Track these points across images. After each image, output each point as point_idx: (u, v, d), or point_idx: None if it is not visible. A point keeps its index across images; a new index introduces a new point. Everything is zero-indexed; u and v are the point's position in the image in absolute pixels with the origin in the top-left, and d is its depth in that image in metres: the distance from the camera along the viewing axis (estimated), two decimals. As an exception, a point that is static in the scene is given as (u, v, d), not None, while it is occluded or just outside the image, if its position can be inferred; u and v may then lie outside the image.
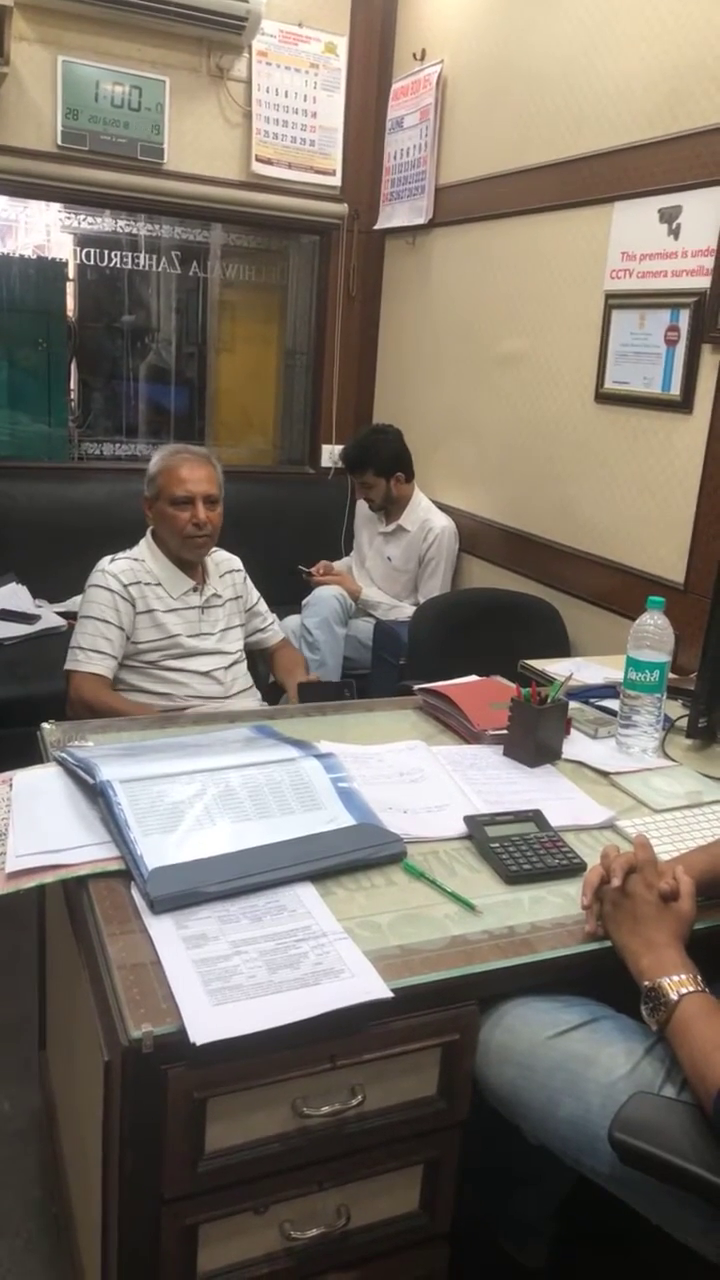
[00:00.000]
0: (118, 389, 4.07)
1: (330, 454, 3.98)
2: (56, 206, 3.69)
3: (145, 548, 2.38)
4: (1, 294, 3.67)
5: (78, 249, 3.78)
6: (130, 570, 2.32)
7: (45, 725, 1.68)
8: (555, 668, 2.11)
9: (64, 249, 3.81)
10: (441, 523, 3.30)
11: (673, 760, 1.77)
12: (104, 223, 3.74)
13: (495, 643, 2.42)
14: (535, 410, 2.94)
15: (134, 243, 3.82)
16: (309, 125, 3.67)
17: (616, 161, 2.54)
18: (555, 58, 2.77)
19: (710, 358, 2.31)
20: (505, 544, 3.12)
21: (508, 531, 3.10)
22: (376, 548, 3.45)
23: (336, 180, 3.77)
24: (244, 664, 2.48)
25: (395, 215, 3.65)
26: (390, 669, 2.94)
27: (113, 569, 2.31)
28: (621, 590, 2.58)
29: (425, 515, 3.33)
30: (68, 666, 2.28)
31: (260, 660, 2.64)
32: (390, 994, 1.08)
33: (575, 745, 1.79)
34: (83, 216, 3.70)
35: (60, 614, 3.28)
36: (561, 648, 2.71)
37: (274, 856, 1.28)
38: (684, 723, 1.87)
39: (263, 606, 2.60)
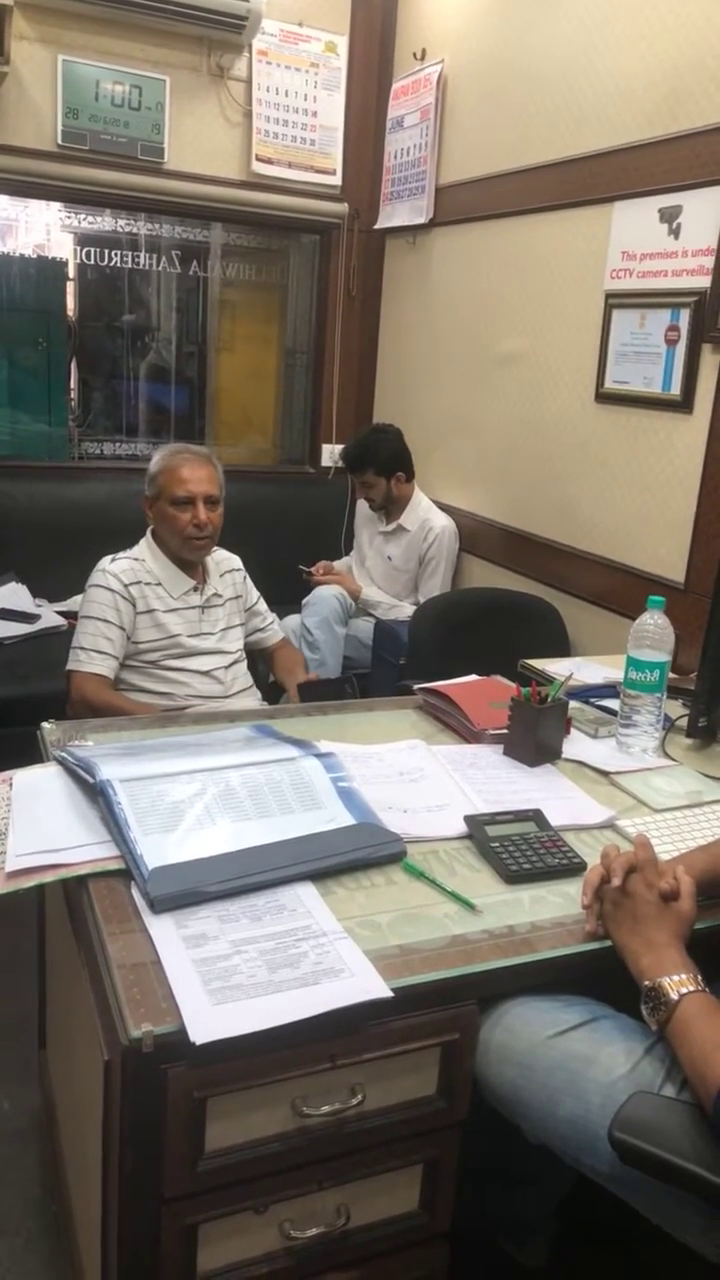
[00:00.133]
0: (118, 388, 4.07)
1: (330, 453, 3.98)
2: (57, 206, 3.69)
3: (145, 547, 2.38)
4: (1, 293, 3.67)
5: (78, 248, 3.78)
6: (131, 570, 2.32)
7: (45, 725, 1.68)
8: (555, 667, 2.11)
9: (64, 248, 3.81)
10: (441, 522, 3.30)
11: (673, 760, 1.77)
12: (104, 222, 3.74)
13: (495, 642, 2.42)
14: (535, 410, 2.94)
15: (134, 242, 3.82)
16: (309, 125, 3.67)
17: (616, 161, 2.54)
18: (555, 57, 2.77)
19: (710, 357, 2.31)
20: (505, 543, 3.12)
21: (508, 531, 3.10)
22: (377, 547, 3.45)
23: (337, 180, 3.77)
24: (244, 663, 2.48)
25: (395, 215, 3.65)
26: (390, 668, 2.94)
27: (113, 569, 2.31)
28: (621, 590, 2.58)
29: (425, 515, 3.33)
30: (69, 666, 2.28)
31: (260, 660, 2.64)
32: (390, 993, 1.08)
33: (575, 745, 1.79)
34: (83, 216, 3.70)
35: (60, 613, 3.28)
36: (561, 647, 2.71)
37: (274, 856, 1.28)
38: (684, 722, 1.87)
39: (262, 606, 2.60)
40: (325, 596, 3.20)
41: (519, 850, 1.38)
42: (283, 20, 3.53)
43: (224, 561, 2.49)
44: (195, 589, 2.38)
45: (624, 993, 1.15)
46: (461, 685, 1.90)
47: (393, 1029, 1.11)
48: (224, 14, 3.26)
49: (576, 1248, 1.61)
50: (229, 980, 1.07)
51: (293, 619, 3.19)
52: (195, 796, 1.36)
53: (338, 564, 3.56)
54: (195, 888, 1.20)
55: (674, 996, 1.08)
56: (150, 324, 4.08)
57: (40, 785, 1.43)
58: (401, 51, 3.64)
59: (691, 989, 1.09)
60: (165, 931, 1.15)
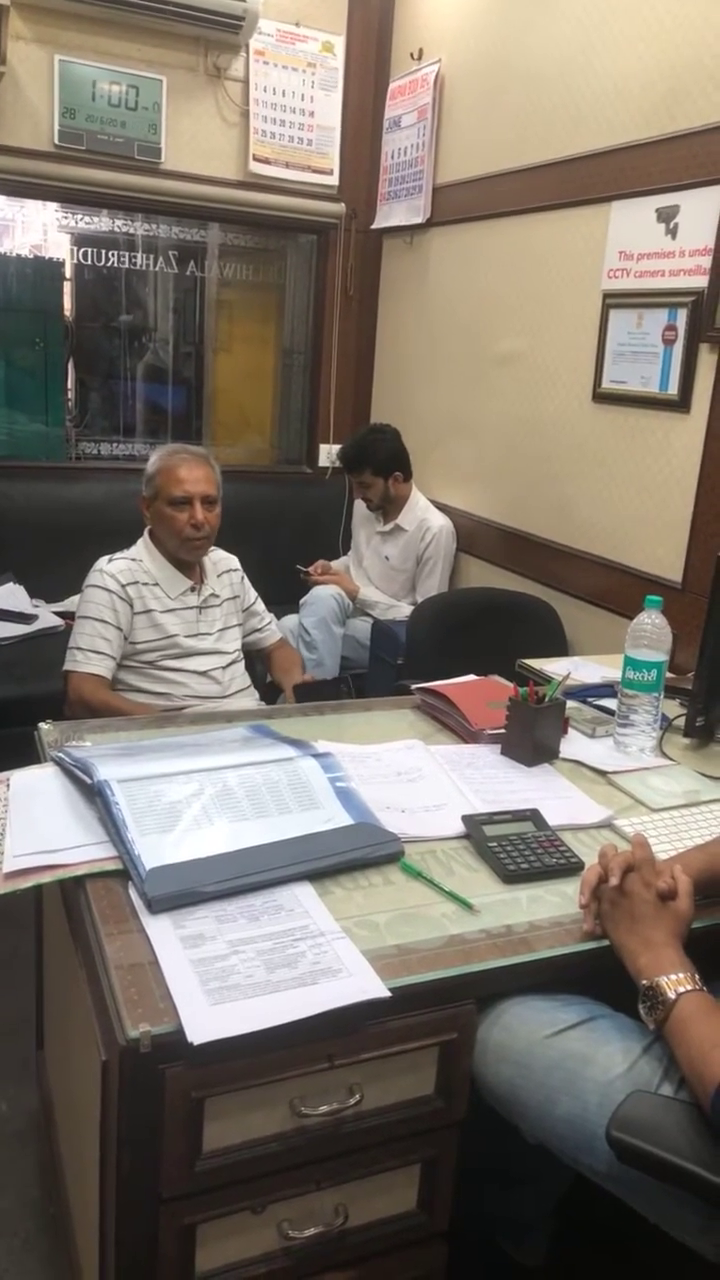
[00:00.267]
0: (115, 388, 4.07)
1: (328, 454, 3.98)
2: (53, 206, 3.69)
3: (143, 548, 2.38)
4: (-1, 294, 3.67)
5: (75, 248, 3.77)
6: (128, 570, 2.32)
7: (43, 725, 1.68)
8: (553, 667, 2.11)
9: (61, 248, 3.80)
10: (439, 522, 3.30)
11: (670, 759, 1.77)
12: (101, 222, 3.73)
13: (493, 642, 2.42)
14: (533, 410, 2.94)
15: (131, 242, 3.81)
16: (306, 124, 3.67)
17: (614, 161, 2.54)
18: (553, 57, 2.77)
19: (708, 357, 2.31)
20: (503, 543, 3.12)
21: (505, 531, 3.10)
22: (374, 547, 3.45)
23: (334, 180, 3.77)
24: (242, 663, 2.47)
25: (393, 215, 3.65)
26: (388, 668, 2.94)
27: (110, 569, 2.31)
28: (619, 589, 2.58)
29: (423, 515, 3.33)
30: (66, 667, 2.28)
31: (258, 660, 2.64)
32: (388, 993, 1.08)
33: (573, 744, 1.79)
34: (80, 216, 3.70)
35: (58, 614, 3.28)
36: (559, 647, 2.71)
37: (271, 856, 1.28)
38: (681, 722, 1.87)
39: (260, 606, 2.60)
40: (323, 596, 3.20)
41: (516, 850, 1.38)
42: (280, 20, 3.53)
43: (221, 562, 2.49)
44: (192, 589, 2.38)
45: (622, 992, 1.15)
46: (459, 685, 1.90)
47: (390, 1029, 1.11)
48: (221, 14, 3.26)
49: (574, 1247, 1.61)
50: (226, 980, 1.07)
51: (290, 619, 3.19)
52: (193, 797, 1.36)
53: (335, 564, 3.55)
54: (193, 888, 1.20)
55: (671, 995, 1.08)
56: (147, 324, 4.08)
57: (38, 786, 1.43)
58: (398, 51, 3.64)
59: (689, 988, 1.09)
60: (163, 932, 1.15)
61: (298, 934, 1.16)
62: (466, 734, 1.78)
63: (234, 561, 2.52)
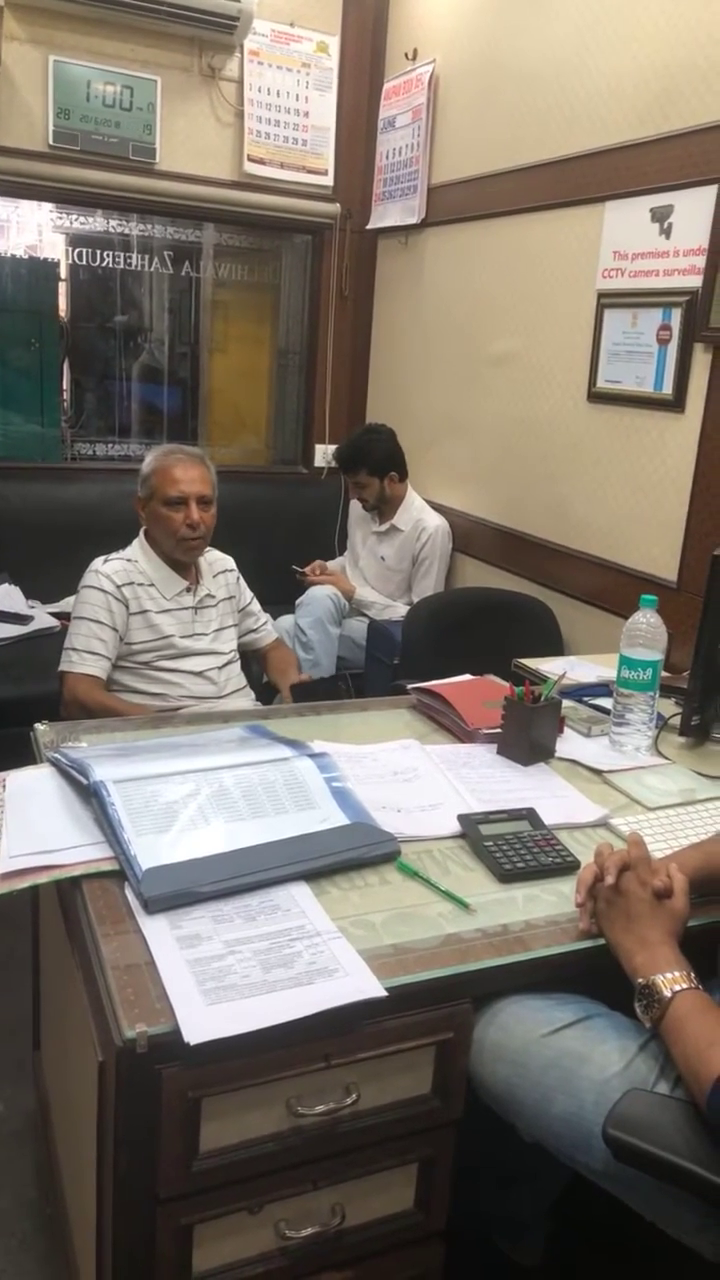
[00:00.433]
0: (110, 389, 4.07)
1: (324, 454, 3.98)
2: (48, 206, 3.68)
3: (138, 548, 2.38)
4: (-6, 294, 3.67)
5: (70, 249, 3.77)
6: (123, 571, 2.32)
7: (39, 726, 1.68)
8: (548, 666, 2.11)
9: (56, 249, 3.80)
10: (435, 522, 3.30)
11: (666, 758, 1.77)
12: (96, 222, 3.73)
13: (489, 642, 2.42)
14: (528, 409, 2.95)
15: (126, 242, 3.81)
16: (301, 125, 3.67)
17: (608, 161, 2.54)
18: (547, 57, 2.77)
19: (702, 357, 2.32)
20: (498, 543, 3.12)
21: (501, 531, 3.11)
22: (370, 547, 3.45)
23: (329, 180, 3.77)
24: (238, 664, 2.47)
25: (387, 215, 3.65)
26: (384, 668, 2.94)
27: (106, 570, 2.31)
28: (614, 589, 2.59)
29: (419, 515, 3.33)
30: (62, 667, 2.28)
31: (254, 660, 2.64)
32: (384, 993, 1.08)
33: (569, 744, 1.79)
34: (75, 216, 3.70)
35: (53, 614, 3.28)
36: (555, 646, 2.71)
37: (268, 856, 1.28)
38: (677, 721, 1.87)
39: (256, 606, 2.60)
40: (319, 597, 3.20)
41: (513, 849, 1.38)
42: (274, 20, 3.53)
43: (217, 562, 2.49)
44: (188, 590, 2.38)
45: (618, 991, 1.16)
46: (455, 685, 1.90)
47: (387, 1028, 1.11)
48: (215, 14, 3.26)
49: (572, 1246, 1.61)
50: (223, 980, 1.07)
51: (286, 619, 3.19)
52: (189, 797, 1.36)
53: (331, 564, 3.56)
54: (189, 888, 1.20)
55: (667, 994, 1.08)
56: (143, 324, 4.08)
57: (34, 786, 1.43)
58: (393, 51, 3.64)
59: (685, 986, 1.09)
60: (159, 932, 1.15)
61: (294, 934, 1.16)
62: (462, 733, 1.79)
63: (229, 562, 2.52)
